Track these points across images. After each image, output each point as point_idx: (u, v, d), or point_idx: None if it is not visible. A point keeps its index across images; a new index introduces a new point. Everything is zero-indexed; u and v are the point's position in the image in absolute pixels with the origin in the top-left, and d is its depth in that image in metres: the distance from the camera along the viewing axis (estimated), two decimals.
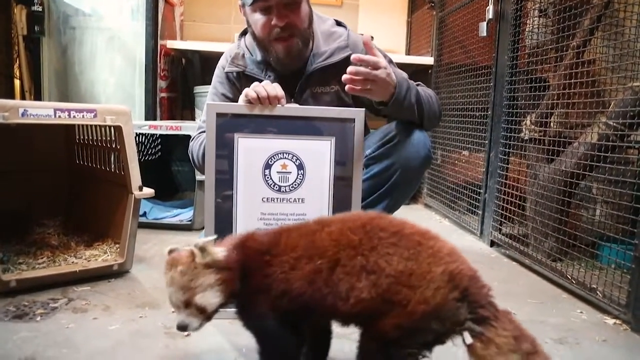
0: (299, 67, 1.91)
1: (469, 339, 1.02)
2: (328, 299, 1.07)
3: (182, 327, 1.13)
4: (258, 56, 1.93)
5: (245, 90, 1.62)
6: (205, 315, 1.13)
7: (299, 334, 1.21)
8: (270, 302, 1.13)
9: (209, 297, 1.12)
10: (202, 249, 1.12)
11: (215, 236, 1.18)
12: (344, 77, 1.57)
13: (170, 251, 1.17)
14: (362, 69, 1.56)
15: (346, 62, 1.86)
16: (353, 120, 1.60)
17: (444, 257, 1.05)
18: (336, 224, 1.15)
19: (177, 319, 1.13)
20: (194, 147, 1.93)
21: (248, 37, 1.98)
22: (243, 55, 1.95)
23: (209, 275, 1.12)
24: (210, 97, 2.02)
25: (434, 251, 1.06)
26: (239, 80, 1.95)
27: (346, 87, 1.59)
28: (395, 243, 1.07)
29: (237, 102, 1.69)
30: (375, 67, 1.58)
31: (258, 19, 1.79)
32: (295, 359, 1.20)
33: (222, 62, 2.02)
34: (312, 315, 1.14)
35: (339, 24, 2.03)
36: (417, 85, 1.94)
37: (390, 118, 1.96)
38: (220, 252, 1.14)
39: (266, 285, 1.13)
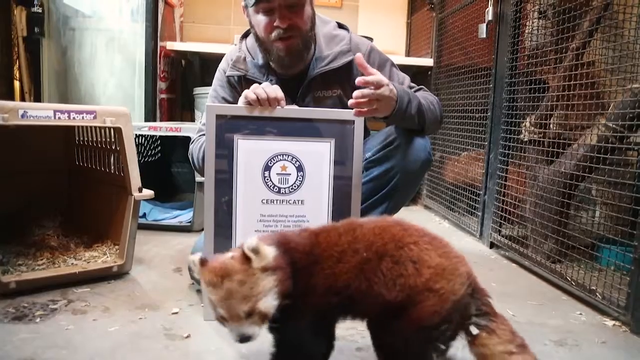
0: (300, 71, 1.91)
1: (475, 330, 1.17)
2: (374, 288, 1.14)
3: (246, 339, 1.08)
4: (260, 59, 1.92)
5: (245, 92, 1.62)
6: (266, 320, 1.10)
7: (330, 339, 1.26)
8: (316, 301, 1.15)
9: (270, 301, 1.08)
10: (256, 251, 1.07)
11: (199, 255, 1.12)
12: (351, 102, 1.56)
13: (203, 261, 1.10)
14: (367, 91, 1.55)
15: (348, 66, 1.90)
16: (352, 122, 1.61)
17: (462, 259, 1.19)
18: (372, 223, 1.22)
19: (236, 330, 1.07)
20: (194, 150, 1.92)
21: (250, 39, 1.97)
22: (244, 59, 1.94)
23: (267, 278, 1.08)
24: (210, 100, 2.00)
25: (457, 252, 1.20)
26: (240, 84, 1.94)
27: (353, 111, 1.57)
28: (430, 241, 1.18)
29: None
30: (378, 86, 1.57)
31: (260, 20, 1.79)
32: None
33: (223, 65, 2.01)
34: (352, 310, 1.19)
35: (340, 26, 2.02)
36: (420, 89, 1.94)
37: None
38: (271, 252, 1.10)
39: (313, 284, 1.15)
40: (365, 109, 1.57)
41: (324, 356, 1.25)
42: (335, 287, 1.14)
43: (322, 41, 1.93)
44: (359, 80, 1.56)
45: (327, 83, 1.92)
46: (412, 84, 1.97)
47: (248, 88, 1.74)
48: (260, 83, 1.80)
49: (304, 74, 1.91)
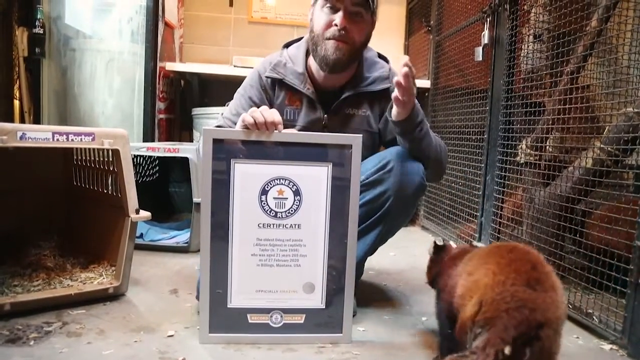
0: (339, 86, 1.98)
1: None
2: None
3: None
4: (300, 67, 1.97)
5: (243, 116, 1.64)
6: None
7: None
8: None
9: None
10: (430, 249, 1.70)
11: None
12: (398, 79, 1.66)
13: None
14: (410, 72, 1.66)
15: (383, 92, 1.99)
16: (350, 146, 1.61)
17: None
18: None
19: None
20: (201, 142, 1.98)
21: (292, 49, 2.05)
22: (285, 64, 1.99)
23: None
24: (236, 98, 2.04)
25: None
26: (274, 88, 2.00)
27: (397, 93, 1.69)
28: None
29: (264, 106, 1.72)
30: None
31: (322, 15, 1.86)
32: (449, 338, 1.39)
33: (259, 67, 2.05)
34: None
35: (380, 56, 2.10)
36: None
37: (388, 144, 2.00)
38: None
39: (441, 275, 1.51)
40: (406, 95, 1.68)
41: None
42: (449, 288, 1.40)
43: (364, 64, 2.01)
44: (404, 62, 1.66)
45: (359, 102, 1.99)
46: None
47: (282, 92, 1.95)
48: (297, 90, 1.93)
49: (341, 89, 1.97)
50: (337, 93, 1.97)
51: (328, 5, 1.85)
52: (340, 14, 1.83)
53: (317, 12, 1.90)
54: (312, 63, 1.98)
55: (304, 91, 1.95)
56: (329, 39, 1.86)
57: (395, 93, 1.70)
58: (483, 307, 1.13)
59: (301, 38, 2.08)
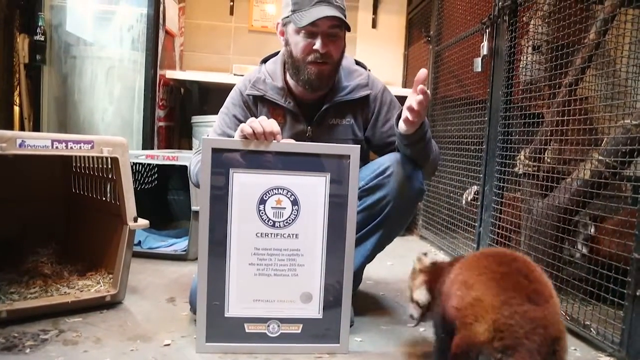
0: (318, 97, 1.98)
1: None
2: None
3: (411, 316, 1.56)
4: (279, 82, 1.98)
5: (241, 126, 1.64)
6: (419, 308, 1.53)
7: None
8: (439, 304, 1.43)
9: (420, 293, 1.53)
10: (419, 259, 1.57)
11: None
12: (413, 106, 1.67)
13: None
14: (424, 101, 1.66)
15: (363, 100, 2.01)
16: (348, 156, 1.62)
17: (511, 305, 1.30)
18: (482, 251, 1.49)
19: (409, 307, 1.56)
20: (193, 162, 1.98)
21: (270, 64, 2.05)
22: (264, 80, 2.00)
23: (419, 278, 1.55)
24: (220, 118, 2.04)
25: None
26: (256, 104, 2.01)
27: (408, 115, 1.70)
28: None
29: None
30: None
31: (300, 40, 1.85)
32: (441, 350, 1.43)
33: (239, 85, 2.06)
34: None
35: (357, 63, 2.12)
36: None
37: (377, 150, 2.04)
38: (427, 261, 1.56)
39: (439, 291, 1.45)
40: (419, 116, 1.70)
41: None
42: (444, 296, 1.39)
43: (342, 73, 2.02)
44: (421, 88, 1.63)
45: (342, 112, 2.00)
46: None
47: (264, 108, 1.96)
48: (278, 104, 1.94)
49: (322, 100, 1.98)
50: (318, 104, 1.98)
51: (304, 32, 1.84)
52: (319, 40, 1.83)
53: (292, 35, 1.88)
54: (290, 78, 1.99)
55: (285, 105, 1.96)
56: (311, 63, 1.86)
57: (407, 114, 1.71)
58: (498, 334, 1.16)
59: (277, 52, 2.08)
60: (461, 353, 1.22)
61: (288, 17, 1.85)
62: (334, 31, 1.85)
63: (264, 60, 2.10)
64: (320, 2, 1.80)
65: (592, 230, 1.98)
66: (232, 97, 2.06)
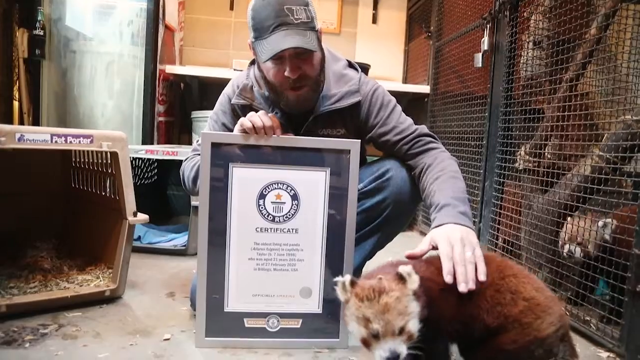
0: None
1: None
2: (480, 313, 1.28)
3: (396, 356, 1.14)
4: (266, 90, 1.86)
5: (241, 120, 1.63)
6: (410, 341, 1.18)
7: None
8: (445, 327, 1.28)
9: (416, 324, 1.18)
10: (409, 275, 1.19)
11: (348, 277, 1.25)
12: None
13: (353, 282, 1.22)
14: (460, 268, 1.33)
15: (354, 107, 1.86)
16: (348, 151, 1.62)
17: (555, 298, 1.33)
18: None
19: (388, 346, 1.14)
20: (186, 168, 1.91)
21: (257, 69, 1.90)
22: (251, 88, 1.89)
23: (414, 302, 1.19)
24: (210, 124, 1.96)
25: (550, 292, 1.34)
26: (244, 112, 1.85)
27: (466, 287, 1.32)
28: (527, 275, 1.34)
29: None
30: (461, 255, 1.36)
31: (270, 67, 1.73)
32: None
33: (228, 90, 1.96)
34: (462, 334, 1.31)
35: (351, 65, 1.97)
36: (427, 135, 1.87)
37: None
38: (417, 279, 1.21)
39: (443, 312, 1.27)
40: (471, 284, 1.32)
41: None
42: (458, 315, 1.28)
43: (331, 79, 1.88)
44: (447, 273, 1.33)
45: (332, 121, 1.88)
46: (416, 126, 1.89)
47: None
48: None
49: (310, 110, 1.86)
50: (306, 114, 1.86)
51: (270, 60, 1.70)
52: (288, 66, 1.69)
53: (263, 64, 1.75)
54: None
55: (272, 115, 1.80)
56: (288, 89, 1.75)
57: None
58: (561, 325, 1.28)
59: None
60: (520, 348, 1.25)
61: (253, 42, 1.74)
62: (301, 50, 1.67)
63: (252, 62, 1.96)
64: (279, 26, 1.64)
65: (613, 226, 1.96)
66: (220, 104, 1.97)
